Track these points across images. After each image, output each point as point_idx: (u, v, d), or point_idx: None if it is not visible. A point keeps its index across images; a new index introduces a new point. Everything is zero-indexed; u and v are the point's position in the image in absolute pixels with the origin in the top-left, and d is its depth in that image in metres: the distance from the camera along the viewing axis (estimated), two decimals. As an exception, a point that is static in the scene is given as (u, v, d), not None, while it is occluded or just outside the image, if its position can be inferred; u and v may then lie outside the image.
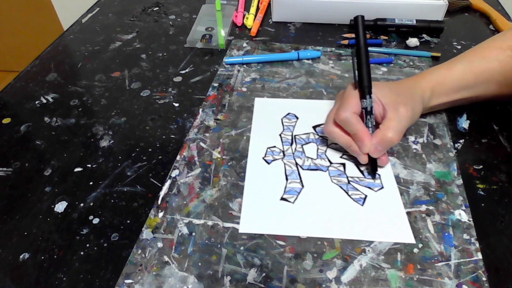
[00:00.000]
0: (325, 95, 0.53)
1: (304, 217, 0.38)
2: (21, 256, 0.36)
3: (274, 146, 0.46)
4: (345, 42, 0.62)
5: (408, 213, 0.38)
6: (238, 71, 0.57)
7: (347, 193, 0.40)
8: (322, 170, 0.43)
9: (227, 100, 0.52)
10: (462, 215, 0.38)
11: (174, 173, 0.43)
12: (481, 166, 0.43)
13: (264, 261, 0.35)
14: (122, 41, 0.65)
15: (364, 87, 0.41)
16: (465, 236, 0.36)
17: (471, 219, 0.38)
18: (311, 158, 0.44)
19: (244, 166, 0.43)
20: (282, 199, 0.40)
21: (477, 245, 0.36)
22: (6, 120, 0.50)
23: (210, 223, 0.38)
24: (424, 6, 0.64)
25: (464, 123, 0.48)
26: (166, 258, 0.35)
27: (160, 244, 0.36)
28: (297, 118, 0.49)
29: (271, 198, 0.40)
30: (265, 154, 0.45)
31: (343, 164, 0.43)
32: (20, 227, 0.38)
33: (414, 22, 0.64)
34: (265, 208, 0.39)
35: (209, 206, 0.39)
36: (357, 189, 0.41)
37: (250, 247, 0.36)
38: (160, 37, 0.66)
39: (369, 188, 0.41)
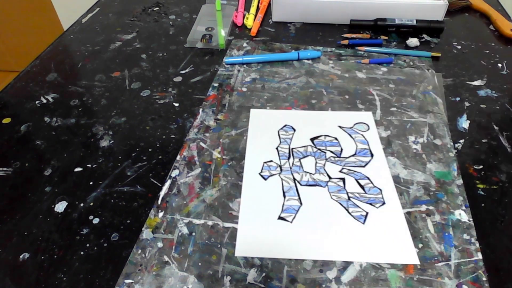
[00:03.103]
0: (325, 95, 0.53)
1: (303, 238, 0.37)
2: (21, 256, 0.36)
3: (271, 161, 0.44)
4: (345, 42, 0.62)
5: (408, 213, 0.38)
6: (238, 71, 0.57)
7: (347, 210, 0.39)
8: (321, 186, 0.41)
9: (227, 100, 0.52)
10: (462, 215, 0.38)
11: (174, 173, 0.43)
12: (481, 166, 0.43)
13: (264, 261, 0.35)
14: (122, 41, 0.65)
15: None
16: (465, 236, 0.36)
17: (471, 219, 0.38)
18: (310, 173, 0.42)
19: (244, 166, 0.43)
20: (280, 218, 0.38)
21: (477, 245, 0.36)
22: (6, 120, 0.50)
23: (210, 223, 0.38)
24: (424, 6, 0.64)
25: (464, 123, 0.48)
26: (166, 258, 0.35)
27: (160, 244, 0.36)
28: (294, 130, 0.48)
29: (268, 217, 0.38)
30: (262, 169, 0.43)
31: (343, 179, 0.42)
32: (20, 227, 0.38)
33: (414, 22, 0.64)
34: (262, 228, 0.37)
35: (209, 206, 0.39)
36: (357, 206, 0.39)
37: (250, 247, 0.36)
38: (160, 37, 0.66)
39: (370, 204, 0.39)
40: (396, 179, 0.42)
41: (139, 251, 0.36)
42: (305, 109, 0.51)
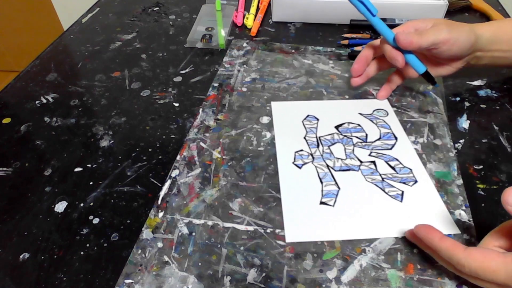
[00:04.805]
0: (325, 95, 0.53)
1: (347, 220, 0.38)
2: (21, 256, 0.36)
3: (302, 150, 0.45)
4: (345, 42, 0.62)
5: (408, 213, 0.39)
6: (238, 71, 0.57)
7: (383, 190, 0.40)
8: (354, 170, 0.42)
9: (227, 100, 0.52)
10: (462, 215, 0.38)
11: (174, 173, 0.43)
12: (481, 166, 0.43)
13: (264, 261, 0.35)
14: (122, 41, 0.65)
15: None
16: (465, 236, 0.36)
17: (471, 219, 0.38)
18: (341, 159, 0.44)
19: (244, 166, 0.43)
20: (322, 203, 0.39)
21: (477, 245, 0.36)
22: (6, 120, 0.50)
23: (210, 223, 0.38)
24: (424, 6, 0.64)
25: (464, 123, 0.48)
26: (166, 258, 0.35)
27: (160, 244, 0.36)
28: (317, 119, 0.49)
29: (310, 203, 0.39)
30: (294, 158, 0.44)
31: (374, 162, 0.43)
32: (20, 227, 0.38)
33: (414, 22, 0.63)
34: (306, 214, 0.38)
35: (209, 206, 0.39)
36: (393, 186, 0.40)
37: (250, 247, 0.36)
38: (160, 37, 0.66)
39: (404, 183, 0.41)
40: (396, 179, 0.42)
41: (139, 251, 0.36)
42: (305, 109, 0.51)
